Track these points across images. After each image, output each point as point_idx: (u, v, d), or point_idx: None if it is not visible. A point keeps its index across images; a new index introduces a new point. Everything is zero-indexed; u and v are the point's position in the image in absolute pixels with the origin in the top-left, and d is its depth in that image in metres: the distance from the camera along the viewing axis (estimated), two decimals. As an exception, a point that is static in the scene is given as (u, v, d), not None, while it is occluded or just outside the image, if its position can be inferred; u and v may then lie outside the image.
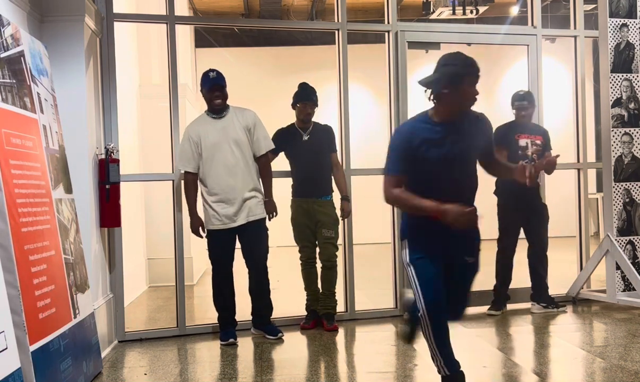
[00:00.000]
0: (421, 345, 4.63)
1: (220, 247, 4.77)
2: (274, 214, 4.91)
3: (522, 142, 5.42)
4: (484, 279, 5.60)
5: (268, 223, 4.89)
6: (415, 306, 3.25)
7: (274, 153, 5.18)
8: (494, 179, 4.99)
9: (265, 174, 4.87)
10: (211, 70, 4.79)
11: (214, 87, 4.72)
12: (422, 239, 3.20)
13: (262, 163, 4.84)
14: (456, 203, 2.97)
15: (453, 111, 3.14)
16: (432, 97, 3.16)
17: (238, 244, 4.83)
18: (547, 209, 5.57)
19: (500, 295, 5.54)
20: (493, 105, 12.13)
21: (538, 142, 5.46)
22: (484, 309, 5.62)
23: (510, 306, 5.71)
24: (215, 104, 4.74)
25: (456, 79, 3.11)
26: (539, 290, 5.54)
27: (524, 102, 5.50)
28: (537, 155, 5.42)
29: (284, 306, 5.66)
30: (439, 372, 3.36)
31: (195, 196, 4.78)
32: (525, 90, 5.63)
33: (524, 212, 5.41)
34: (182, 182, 4.87)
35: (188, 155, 4.73)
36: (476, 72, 3.19)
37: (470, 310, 5.55)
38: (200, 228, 4.80)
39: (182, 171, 4.84)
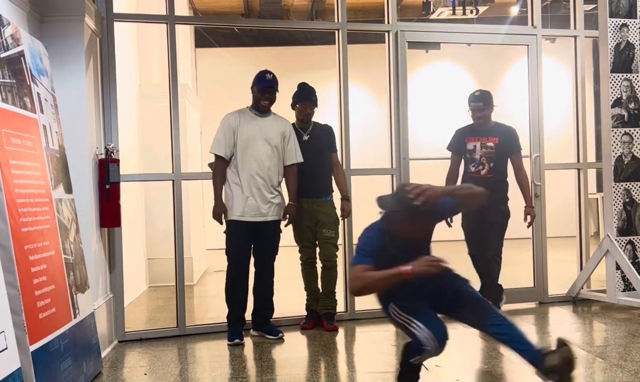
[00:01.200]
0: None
1: (239, 240, 4.78)
2: (292, 219, 4.93)
3: (470, 145, 5.24)
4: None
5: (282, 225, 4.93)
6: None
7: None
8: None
9: (292, 182, 4.94)
10: (268, 71, 4.88)
11: (267, 89, 4.81)
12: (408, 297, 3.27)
13: (291, 172, 4.93)
14: None
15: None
16: None
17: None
18: (506, 216, 5.21)
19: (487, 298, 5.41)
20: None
21: (490, 144, 5.20)
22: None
23: (509, 306, 5.70)
24: (262, 105, 4.84)
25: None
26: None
27: (479, 103, 5.23)
28: (486, 157, 5.19)
29: (284, 306, 5.66)
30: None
31: (222, 183, 4.79)
32: (481, 90, 5.36)
33: (483, 215, 5.08)
34: (213, 167, 4.86)
35: (223, 141, 4.77)
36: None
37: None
38: (222, 215, 4.75)
39: (214, 156, 4.82)
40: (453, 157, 5.39)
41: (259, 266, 4.92)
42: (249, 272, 4.85)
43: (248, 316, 4.95)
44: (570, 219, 6.24)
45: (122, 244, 4.97)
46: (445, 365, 4.12)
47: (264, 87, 4.82)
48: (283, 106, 5.33)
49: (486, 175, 5.18)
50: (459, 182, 5.34)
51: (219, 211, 4.76)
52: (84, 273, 4.00)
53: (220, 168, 4.80)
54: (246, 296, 4.88)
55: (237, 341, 4.75)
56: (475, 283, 5.86)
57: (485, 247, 5.18)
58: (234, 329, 4.83)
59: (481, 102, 5.25)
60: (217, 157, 4.80)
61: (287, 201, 4.95)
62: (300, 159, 4.98)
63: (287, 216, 4.92)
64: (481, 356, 4.40)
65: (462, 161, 5.34)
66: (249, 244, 4.84)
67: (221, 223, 4.79)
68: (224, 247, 4.85)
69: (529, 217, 5.28)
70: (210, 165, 5.05)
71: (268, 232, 4.84)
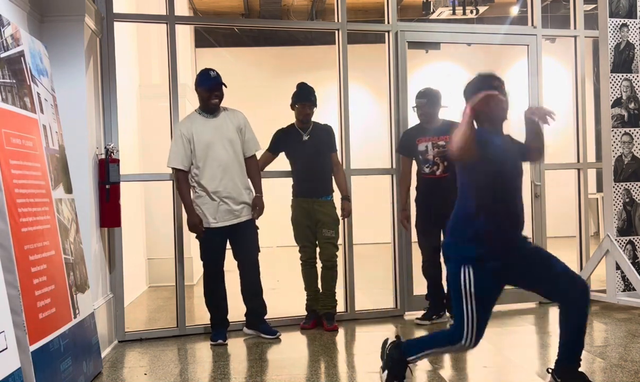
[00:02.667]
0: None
1: (214, 246, 4.75)
2: (260, 212, 4.83)
3: (421, 146, 5.10)
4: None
5: (261, 221, 4.88)
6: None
7: (274, 153, 5.20)
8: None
9: (255, 172, 4.87)
10: (211, 69, 4.76)
11: (214, 86, 4.69)
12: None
13: (252, 163, 4.85)
14: None
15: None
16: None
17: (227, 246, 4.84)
18: None
19: (431, 306, 5.20)
20: (493, 105, 12.14)
21: (442, 142, 5.02)
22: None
23: (510, 306, 5.71)
24: (212, 104, 4.72)
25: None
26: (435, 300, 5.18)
27: (423, 99, 5.10)
28: (440, 157, 5.03)
29: (284, 306, 5.66)
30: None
31: (189, 193, 4.74)
32: (425, 88, 5.20)
33: (440, 216, 5.01)
34: (174, 180, 4.83)
35: (180, 154, 4.69)
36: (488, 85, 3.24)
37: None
38: (200, 224, 4.69)
39: (172, 170, 4.78)
40: (403, 159, 5.26)
41: (242, 267, 4.87)
42: (224, 274, 4.85)
43: (233, 317, 4.95)
44: (570, 219, 6.24)
45: (122, 244, 4.97)
46: (444, 365, 4.12)
47: (213, 85, 4.67)
48: (282, 106, 5.33)
49: (441, 175, 5.04)
50: (413, 185, 5.23)
51: (195, 222, 4.67)
52: (84, 273, 4.00)
53: (182, 179, 4.71)
54: (225, 298, 4.87)
55: (220, 341, 4.73)
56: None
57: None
58: (217, 330, 4.83)
59: (425, 98, 5.12)
60: (177, 169, 4.72)
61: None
62: (259, 148, 4.90)
63: (257, 209, 4.80)
64: (481, 355, 4.40)
65: (414, 163, 5.22)
66: (223, 248, 4.80)
67: (201, 234, 4.70)
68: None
69: None
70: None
71: (243, 232, 4.78)
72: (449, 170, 5.01)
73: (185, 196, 4.73)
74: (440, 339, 3.39)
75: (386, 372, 3.42)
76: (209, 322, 4.94)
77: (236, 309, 5.01)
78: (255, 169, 4.87)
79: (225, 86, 4.77)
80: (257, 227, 4.87)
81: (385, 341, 3.53)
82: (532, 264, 3.29)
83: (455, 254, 3.27)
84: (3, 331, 2.71)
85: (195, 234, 4.79)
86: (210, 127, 4.71)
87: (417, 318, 5.21)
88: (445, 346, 3.34)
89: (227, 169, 4.69)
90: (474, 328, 3.17)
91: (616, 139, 5.54)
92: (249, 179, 4.84)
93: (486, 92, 3.11)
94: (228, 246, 4.83)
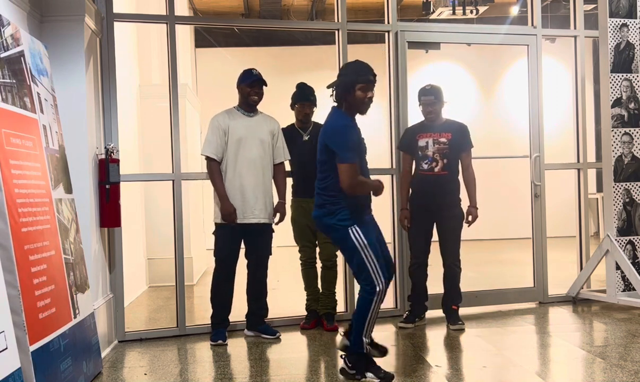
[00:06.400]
0: (420, 345, 4.64)
1: (229, 243, 4.76)
2: (282, 217, 4.91)
3: (422, 142, 5.06)
4: (478, 278, 5.62)
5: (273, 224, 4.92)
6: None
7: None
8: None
9: (281, 179, 4.93)
10: (253, 68, 4.89)
11: (255, 82, 4.80)
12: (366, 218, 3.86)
13: (279, 170, 4.92)
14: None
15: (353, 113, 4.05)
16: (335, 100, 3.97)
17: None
18: (460, 219, 5.06)
19: (413, 308, 5.18)
20: (493, 105, 12.17)
21: (443, 140, 5.02)
22: (483, 309, 5.62)
23: (510, 306, 5.72)
24: (252, 100, 4.81)
25: (348, 87, 3.93)
26: (448, 311, 5.15)
27: (430, 96, 5.05)
28: (440, 154, 5.01)
29: (284, 306, 5.66)
30: (362, 349, 3.76)
31: (222, 182, 4.73)
32: (432, 85, 5.15)
33: (433, 218, 5.09)
34: (207, 169, 4.80)
35: (215, 143, 4.72)
36: (367, 79, 3.95)
37: (470, 310, 5.56)
38: (234, 212, 4.66)
39: (205, 158, 4.78)
40: (404, 156, 5.22)
41: (252, 267, 4.90)
42: (234, 275, 4.85)
43: (234, 317, 4.96)
44: (570, 219, 6.23)
45: (122, 244, 4.97)
46: (444, 365, 4.12)
47: (254, 80, 4.79)
48: (282, 106, 5.32)
49: (440, 172, 5.01)
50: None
51: (230, 210, 4.66)
52: (84, 273, 4.00)
53: (216, 169, 4.74)
54: (231, 298, 4.88)
55: (220, 341, 4.74)
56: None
57: (444, 255, 5.08)
58: (217, 330, 4.83)
59: (432, 95, 5.08)
60: (210, 159, 4.76)
61: (276, 201, 4.92)
62: (288, 157, 4.98)
63: (278, 215, 4.89)
64: (481, 355, 4.40)
65: (414, 160, 5.18)
66: (238, 247, 4.82)
67: (234, 222, 4.69)
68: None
69: (470, 217, 5.04)
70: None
71: (260, 234, 4.82)
72: (447, 169, 5.02)
73: (218, 184, 4.72)
74: (363, 304, 3.71)
75: (363, 375, 3.76)
76: (209, 322, 4.94)
77: (236, 309, 5.01)
78: (282, 176, 4.94)
79: (266, 85, 4.86)
80: (272, 230, 4.90)
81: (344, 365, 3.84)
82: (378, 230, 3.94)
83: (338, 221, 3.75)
84: (3, 331, 2.71)
85: (212, 229, 4.78)
86: (245, 124, 4.79)
87: (399, 321, 5.19)
88: (372, 304, 3.69)
89: (253, 167, 4.73)
90: (378, 270, 3.70)
91: (616, 139, 5.54)
92: (272, 184, 4.89)
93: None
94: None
